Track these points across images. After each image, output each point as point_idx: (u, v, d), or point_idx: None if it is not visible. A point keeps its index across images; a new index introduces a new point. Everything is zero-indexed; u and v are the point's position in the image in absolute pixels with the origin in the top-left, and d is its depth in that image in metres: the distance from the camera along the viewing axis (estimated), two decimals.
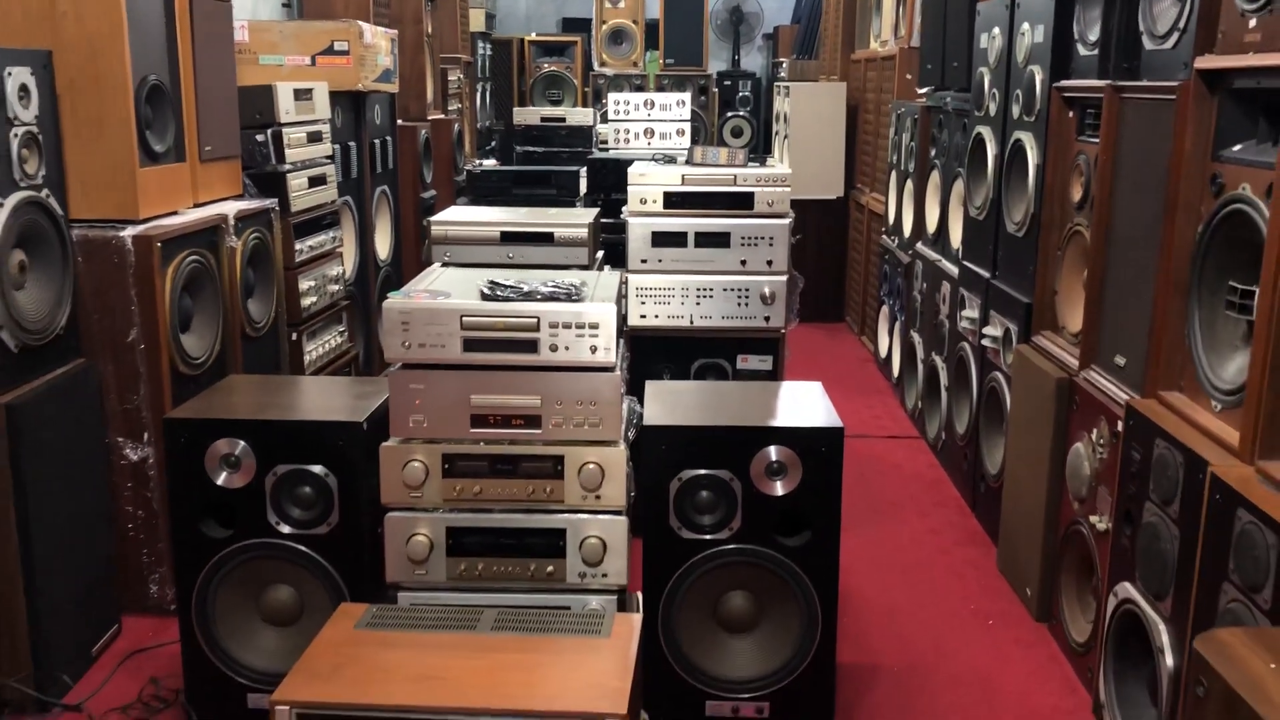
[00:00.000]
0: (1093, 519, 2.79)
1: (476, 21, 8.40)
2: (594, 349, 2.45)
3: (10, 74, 2.59)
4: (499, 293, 2.47)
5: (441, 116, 6.52)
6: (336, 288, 4.38)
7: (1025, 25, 3.49)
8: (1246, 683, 1.37)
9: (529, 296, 2.46)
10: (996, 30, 3.76)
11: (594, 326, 2.44)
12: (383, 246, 5.25)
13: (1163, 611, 2.36)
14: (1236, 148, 2.32)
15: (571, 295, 2.47)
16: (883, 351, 5.79)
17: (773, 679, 2.61)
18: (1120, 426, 2.63)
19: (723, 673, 2.63)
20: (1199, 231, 2.41)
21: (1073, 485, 2.95)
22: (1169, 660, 2.32)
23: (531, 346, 2.45)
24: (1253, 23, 2.18)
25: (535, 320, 2.43)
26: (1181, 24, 2.51)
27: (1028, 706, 2.80)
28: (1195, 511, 2.20)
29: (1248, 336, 2.27)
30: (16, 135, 2.61)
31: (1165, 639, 2.34)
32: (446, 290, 2.56)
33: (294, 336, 3.99)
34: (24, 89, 2.64)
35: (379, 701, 1.99)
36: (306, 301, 4.08)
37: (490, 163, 8.01)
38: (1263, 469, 2.06)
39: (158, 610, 3.15)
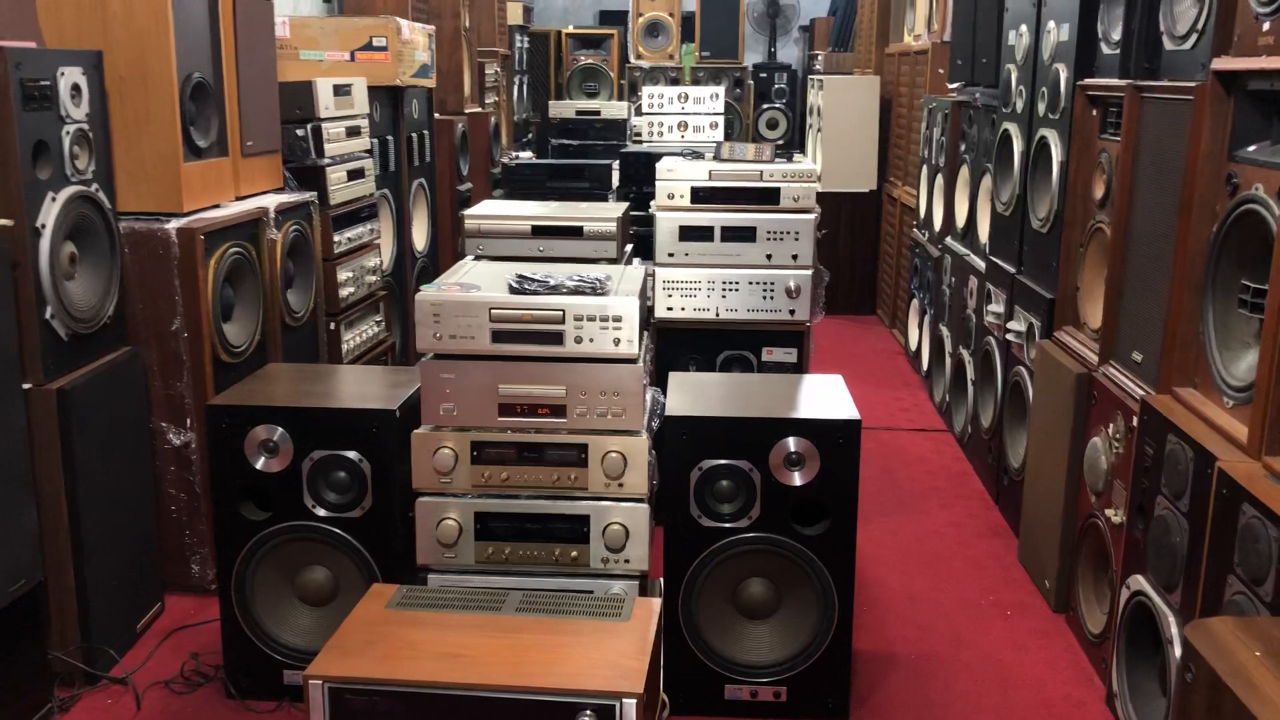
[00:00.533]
0: (1109, 512, 2.83)
1: (514, 15, 8.48)
2: (617, 341, 2.52)
3: (63, 74, 2.70)
4: (526, 286, 2.55)
5: (478, 110, 6.62)
6: (374, 278, 4.49)
7: (1051, 23, 3.52)
8: (1231, 669, 1.43)
9: (555, 290, 2.54)
10: (1024, 28, 3.79)
11: (617, 319, 2.51)
12: (420, 238, 5.35)
13: (1172, 603, 2.41)
14: (1251, 148, 2.36)
15: (596, 289, 2.55)
16: (913, 345, 5.82)
17: (790, 664, 2.69)
18: (1135, 422, 2.68)
19: (741, 657, 2.70)
20: (1214, 230, 2.45)
21: (1090, 479, 2.99)
22: (1178, 651, 2.36)
23: (557, 338, 2.53)
24: (1266, 26, 2.21)
25: (561, 313, 2.52)
26: (1200, 25, 2.54)
27: (1042, 695, 2.85)
28: (1203, 505, 2.24)
29: (1260, 334, 2.30)
30: (68, 132, 2.73)
31: (1174, 630, 2.38)
32: (477, 283, 2.64)
33: (332, 326, 4.10)
34: (75, 88, 2.75)
35: (407, 677, 2.09)
36: (345, 292, 4.18)
37: (526, 155, 8.12)
38: (1269, 464, 2.10)
39: (199, 589, 3.27)
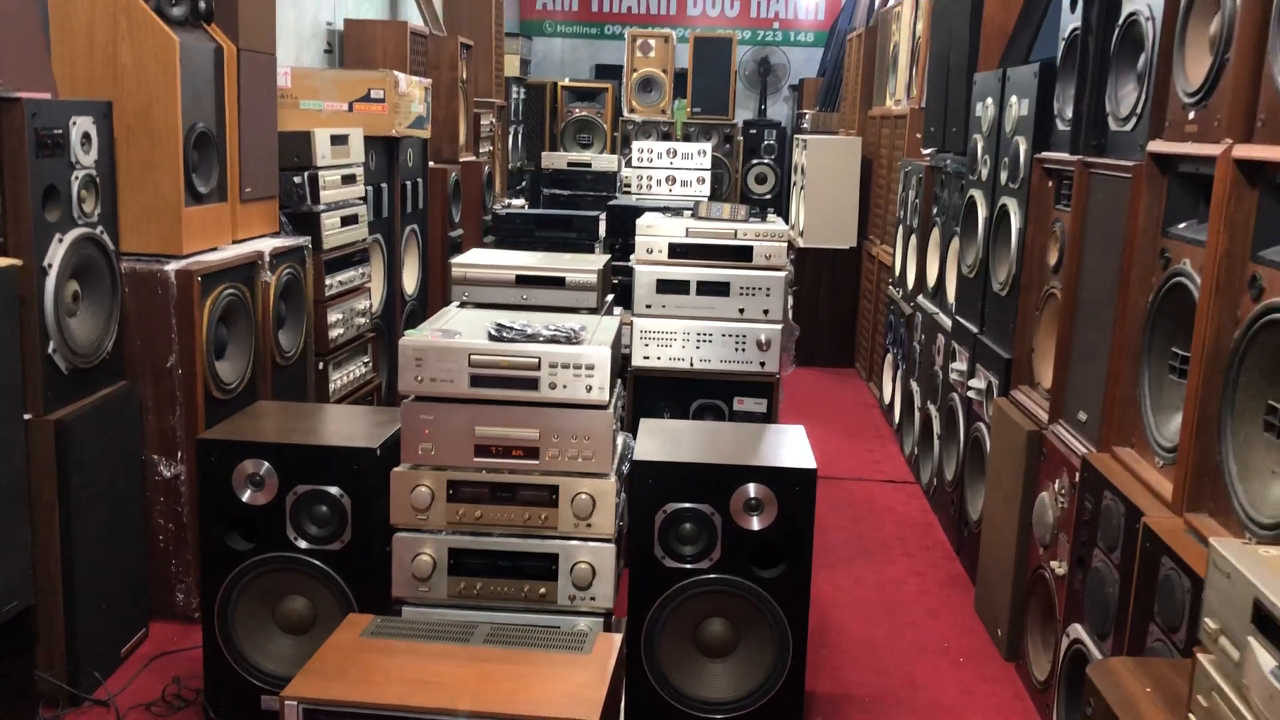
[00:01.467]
0: (1054, 564, 2.98)
1: (511, 67, 8.73)
2: (589, 388, 2.68)
3: (75, 123, 2.87)
4: (505, 334, 2.71)
5: (473, 159, 6.81)
6: (363, 320, 4.64)
7: (1014, 98, 3.71)
8: (1123, 703, 1.57)
9: (532, 338, 2.70)
10: (989, 100, 3.99)
11: (590, 368, 2.67)
12: (410, 282, 5.52)
13: (1105, 650, 2.54)
14: (1181, 225, 2.53)
15: (571, 338, 2.70)
16: (886, 398, 5.98)
17: (746, 701, 2.81)
18: (1077, 478, 2.83)
19: (700, 694, 2.83)
20: (1149, 300, 2.62)
21: (1038, 532, 3.14)
22: None
23: (532, 384, 2.68)
24: (1191, 115, 2.40)
25: (537, 360, 2.67)
26: (1139, 110, 2.73)
27: None
28: (1132, 558, 2.39)
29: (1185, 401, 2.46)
30: (77, 178, 2.89)
31: None
32: (458, 330, 2.80)
33: (320, 366, 4.25)
34: (86, 136, 2.91)
35: (378, 700, 2.21)
36: (334, 333, 4.33)
37: (519, 203, 8.32)
38: (1189, 520, 2.26)
39: (183, 617, 3.38)
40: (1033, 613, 3.20)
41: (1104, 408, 2.80)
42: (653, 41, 9.11)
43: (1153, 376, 2.61)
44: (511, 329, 2.73)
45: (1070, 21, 3.23)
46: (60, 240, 2.83)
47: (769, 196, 9.27)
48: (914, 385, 5.14)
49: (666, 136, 9.00)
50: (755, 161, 9.43)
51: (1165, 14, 2.59)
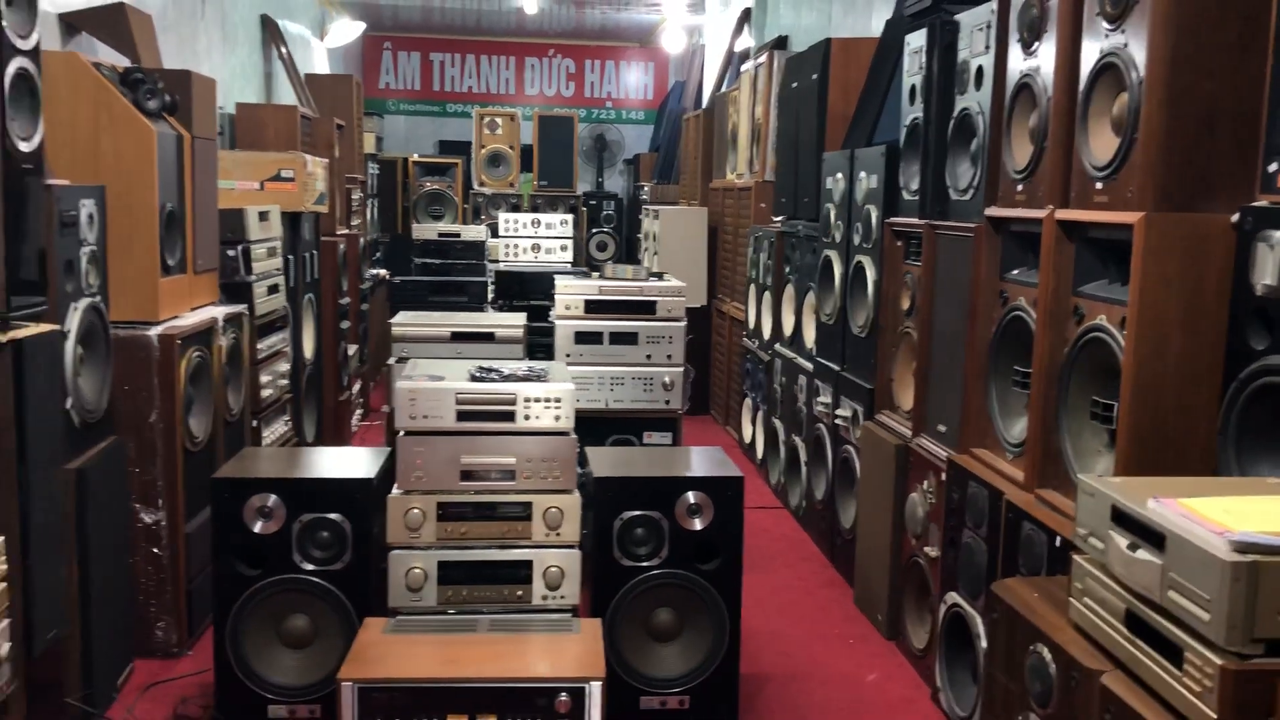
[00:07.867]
0: (927, 549, 3.66)
1: (369, 144, 9.17)
2: (557, 418, 3.21)
3: (84, 205, 3.23)
4: (486, 375, 3.21)
5: (348, 232, 7.23)
6: (284, 382, 5.01)
7: (863, 173, 4.48)
8: (1020, 602, 2.22)
9: (509, 378, 3.22)
10: (840, 175, 4.76)
11: (557, 400, 3.20)
12: (308, 348, 5.87)
13: (978, 607, 3.23)
14: (1015, 271, 3.29)
15: (541, 377, 3.23)
16: (747, 438, 6.68)
17: (691, 677, 3.35)
18: (943, 476, 3.53)
19: (653, 673, 3.35)
20: (993, 332, 3.36)
21: (911, 526, 3.83)
22: (984, 643, 3.17)
23: (509, 416, 3.19)
24: (1019, 187, 3.16)
25: (514, 396, 3.19)
26: (974, 183, 3.49)
27: (883, 698, 3.62)
28: (996, 529, 3.08)
29: (1028, 406, 3.19)
30: (85, 254, 3.24)
31: (981, 628, 3.20)
32: (441, 374, 3.29)
33: (255, 423, 4.60)
34: (90, 217, 3.28)
35: (420, 675, 2.66)
36: (265, 393, 4.70)
37: (382, 272, 8.70)
38: (1039, 494, 2.96)
39: (163, 653, 3.68)
40: (909, 595, 3.87)
41: (962, 418, 3.52)
42: (499, 120, 9.72)
43: (999, 390, 3.35)
44: (491, 370, 3.24)
45: (911, 112, 4.01)
46: (75, 309, 3.17)
47: (609, 262, 9.96)
48: (776, 423, 5.84)
49: (515, 208, 9.58)
50: (596, 230, 10.11)
51: (993, 110, 3.37)
